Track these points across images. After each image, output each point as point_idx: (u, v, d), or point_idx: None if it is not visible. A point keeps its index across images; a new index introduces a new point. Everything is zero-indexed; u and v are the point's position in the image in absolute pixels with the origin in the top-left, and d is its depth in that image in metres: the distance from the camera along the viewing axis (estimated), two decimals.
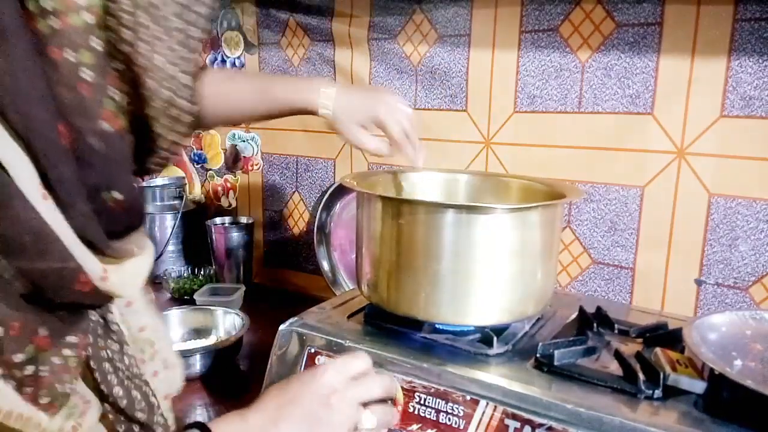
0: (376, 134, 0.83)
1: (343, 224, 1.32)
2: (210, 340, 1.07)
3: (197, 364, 0.95)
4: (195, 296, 1.24)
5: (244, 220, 1.42)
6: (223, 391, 0.93)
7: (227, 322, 1.09)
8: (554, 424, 0.59)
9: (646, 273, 0.99)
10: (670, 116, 0.94)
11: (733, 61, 0.88)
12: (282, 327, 0.79)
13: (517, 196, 0.91)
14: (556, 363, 0.66)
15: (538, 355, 0.68)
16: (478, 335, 0.74)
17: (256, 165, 1.46)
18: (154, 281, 1.40)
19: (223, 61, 1.47)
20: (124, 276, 0.42)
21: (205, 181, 1.58)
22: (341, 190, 1.30)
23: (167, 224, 1.45)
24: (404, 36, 1.17)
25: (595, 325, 0.78)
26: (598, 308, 0.82)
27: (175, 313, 1.10)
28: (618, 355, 0.67)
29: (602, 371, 0.66)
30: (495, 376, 0.65)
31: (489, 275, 0.71)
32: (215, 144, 1.53)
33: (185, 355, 0.95)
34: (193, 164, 1.59)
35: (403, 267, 0.73)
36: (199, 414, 0.87)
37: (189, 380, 0.95)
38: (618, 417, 0.57)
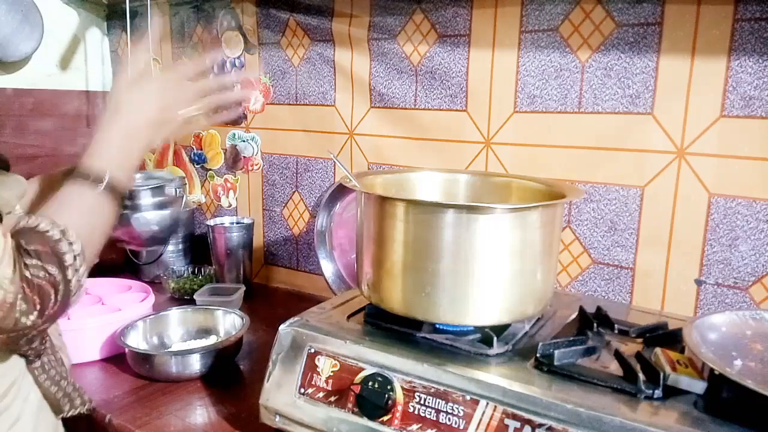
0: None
1: (343, 224, 1.32)
2: (210, 340, 1.07)
3: (197, 364, 0.95)
4: (195, 296, 1.24)
5: (244, 220, 1.42)
6: (223, 391, 0.93)
7: (227, 322, 1.09)
8: (554, 424, 0.59)
9: (646, 273, 0.99)
10: (670, 116, 0.94)
11: (733, 61, 0.88)
12: (282, 327, 0.79)
13: (517, 196, 0.91)
14: (556, 363, 0.66)
15: (538, 355, 0.68)
16: (478, 335, 0.74)
17: (256, 165, 1.46)
18: (154, 281, 1.40)
19: (223, 61, 1.47)
20: None
21: (205, 181, 1.58)
22: (341, 190, 1.30)
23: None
24: (404, 36, 1.17)
25: (595, 325, 0.78)
26: (598, 308, 0.82)
27: (175, 313, 1.10)
28: (618, 355, 0.67)
29: (602, 371, 0.66)
30: (495, 376, 0.65)
31: (489, 275, 0.71)
32: (215, 144, 1.53)
33: (185, 354, 0.95)
34: (193, 164, 1.59)
35: (403, 267, 0.73)
36: (199, 414, 0.87)
37: (189, 380, 0.95)
38: (618, 417, 0.57)
